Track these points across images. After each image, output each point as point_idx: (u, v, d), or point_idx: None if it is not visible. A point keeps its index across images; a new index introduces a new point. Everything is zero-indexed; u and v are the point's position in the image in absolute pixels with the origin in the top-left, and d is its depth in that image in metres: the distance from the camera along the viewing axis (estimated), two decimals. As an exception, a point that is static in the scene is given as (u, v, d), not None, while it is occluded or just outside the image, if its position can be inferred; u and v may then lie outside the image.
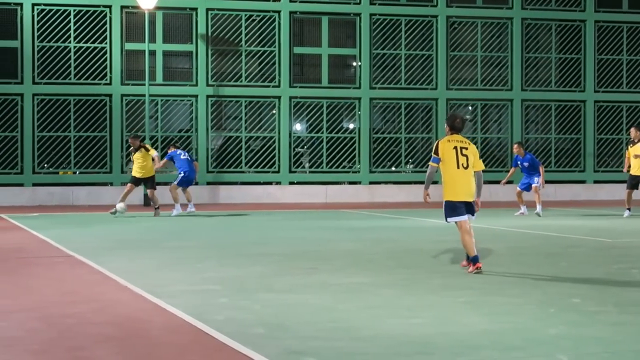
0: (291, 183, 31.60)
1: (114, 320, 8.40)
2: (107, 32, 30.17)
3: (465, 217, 11.59)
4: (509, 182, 24.40)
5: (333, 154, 32.00)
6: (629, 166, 22.75)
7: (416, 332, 7.78)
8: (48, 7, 29.80)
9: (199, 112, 30.83)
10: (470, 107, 33.66)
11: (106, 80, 30.17)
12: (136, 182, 23.08)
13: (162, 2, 29.63)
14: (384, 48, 32.59)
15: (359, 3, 32.05)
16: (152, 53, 30.13)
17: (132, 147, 23.32)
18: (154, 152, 23.09)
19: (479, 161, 11.66)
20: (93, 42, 30.11)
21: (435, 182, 12.24)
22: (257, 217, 23.19)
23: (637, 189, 22.64)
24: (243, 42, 31.34)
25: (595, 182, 34.01)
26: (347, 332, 7.78)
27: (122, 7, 30.20)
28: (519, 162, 23.01)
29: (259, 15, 31.47)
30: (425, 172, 12.11)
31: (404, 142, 32.54)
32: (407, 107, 32.62)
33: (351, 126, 32.61)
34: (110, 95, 30.17)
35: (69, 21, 29.96)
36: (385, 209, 26.34)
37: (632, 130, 22.57)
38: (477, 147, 32.58)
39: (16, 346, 7.32)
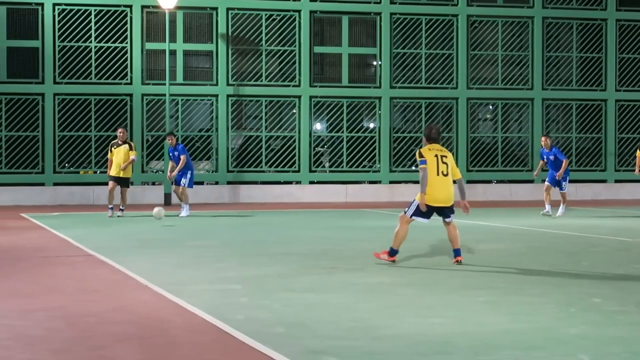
0: (311, 182, 31.60)
1: (135, 320, 8.42)
2: (128, 32, 30.26)
3: (427, 222, 12.61)
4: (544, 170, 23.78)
5: (353, 153, 31.98)
6: None
7: (436, 332, 7.76)
8: (69, 7, 29.91)
9: (220, 112, 30.88)
10: (491, 107, 33.56)
11: (127, 80, 30.27)
12: (117, 180, 22.30)
13: (182, 2, 29.70)
14: (405, 47, 32.54)
15: (380, 2, 32.01)
16: (173, 53, 30.19)
17: (116, 140, 22.63)
18: (134, 154, 22.48)
19: (456, 169, 12.53)
20: (114, 42, 30.20)
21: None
22: (277, 217, 23.20)
23: None
24: (263, 41, 31.36)
25: (617, 181, 33.85)
26: (367, 332, 7.78)
27: (143, 6, 30.28)
28: (544, 156, 22.69)
29: (279, 15, 31.49)
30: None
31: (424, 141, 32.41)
32: (428, 106, 32.56)
33: (371, 125, 32.58)
34: (130, 95, 30.26)
35: (90, 21, 30.06)
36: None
37: None
38: (498, 147, 32.86)
39: (37, 345, 7.35)
